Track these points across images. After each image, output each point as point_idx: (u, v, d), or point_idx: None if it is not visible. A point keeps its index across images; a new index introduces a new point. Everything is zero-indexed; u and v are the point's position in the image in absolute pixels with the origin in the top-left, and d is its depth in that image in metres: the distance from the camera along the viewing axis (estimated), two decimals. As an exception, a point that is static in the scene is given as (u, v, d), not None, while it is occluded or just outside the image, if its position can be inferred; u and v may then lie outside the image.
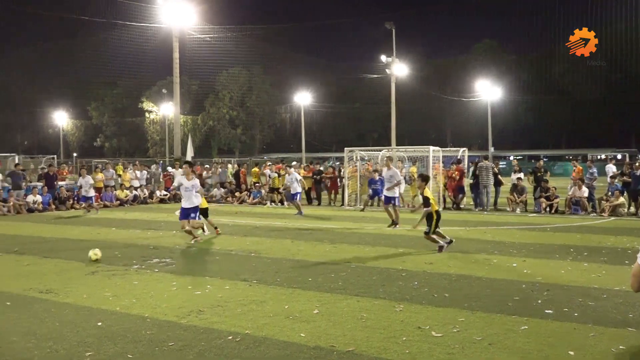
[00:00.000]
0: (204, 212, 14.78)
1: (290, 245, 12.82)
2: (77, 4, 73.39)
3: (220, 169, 29.20)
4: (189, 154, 33.12)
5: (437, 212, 11.63)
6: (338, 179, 24.75)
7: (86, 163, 34.21)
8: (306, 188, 24.21)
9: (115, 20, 42.87)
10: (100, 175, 25.94)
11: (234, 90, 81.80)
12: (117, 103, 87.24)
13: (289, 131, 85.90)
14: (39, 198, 22.85)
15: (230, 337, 6.05)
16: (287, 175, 21.72)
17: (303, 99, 65.77)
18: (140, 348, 5.76)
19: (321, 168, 26.72)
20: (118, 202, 25.26)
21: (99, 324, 6.62)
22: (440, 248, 11.40)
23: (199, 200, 13.39)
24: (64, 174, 29.03)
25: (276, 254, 11.51)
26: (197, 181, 13.55)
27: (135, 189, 26.91)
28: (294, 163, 29.48)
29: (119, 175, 28.27)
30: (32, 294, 8.19)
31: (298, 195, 20.49)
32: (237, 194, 26.79)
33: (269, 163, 30.58)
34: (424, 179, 12.08)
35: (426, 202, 11.57)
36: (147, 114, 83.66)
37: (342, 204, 23.53)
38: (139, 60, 66.18)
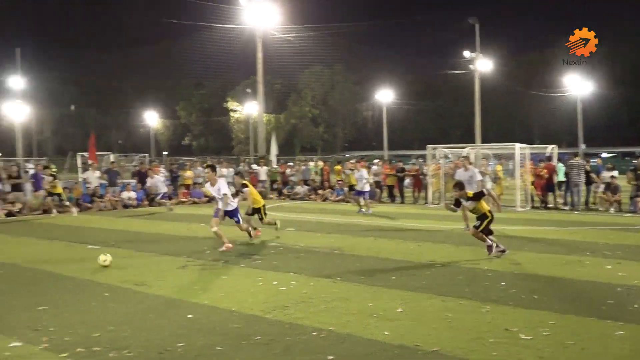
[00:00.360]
0: (257, 212, 13.86)
1: (373, 243, 12.82)
2: (166, 8, 76.16)
3: (303, 167, 29.56)
4: (273, 152, 33.73)
5: (491, 212, 10.82)
6: (421, 177, 24.47)
7: (175, 161, 35.50)
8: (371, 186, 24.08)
9: (201, 23, 44.23)
10: (189, 173, 26.92)
11: (316, 89, 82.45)
12: (203, 103, 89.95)
13: (371, 129, 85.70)
14: (132, 194, 23.98)
15: (314, 333, 6.13)
16: (355, 172, 21.50)
17: (385, 96, 65.48)
18: (228, 341, 5.94)
19: (409, 165, 26.49)
20: (206, 198, 26.06)
21: (189, 316, 6.87)
22: (490, 247, 10.66)
23: (235, 204, 12.41)
24: (156, 171, 30.22)
25: (359, 251, 11.54)
26: (222, 184, 12.05)
27: (222, 186, 27.65)
28: (375, 161, 29.41)
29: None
30: (128, 285, 8.61)
31: (366, 194, 20.29)
32: (320, 191, 27.03)
33: (352, 161, 30.60)
34: (460, 187, 11.12)
35: (478, 195, 10.86)
36: (231, 113, 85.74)
37: (426, 202, 23.26)
38: (224, 61, 67.98)
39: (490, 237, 10.70)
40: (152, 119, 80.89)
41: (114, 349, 5.69)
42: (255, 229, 13.58)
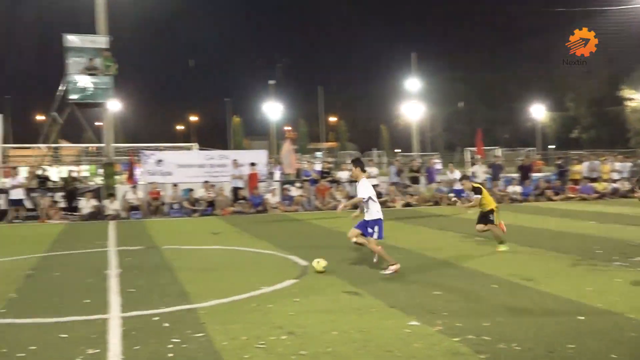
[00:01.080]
0: (485, 218, 11.70)
1: None
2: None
3: None
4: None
5: None
6: None
7: (563, 155, 34.04)
8: None
9: (591, 8, 41.65)
10: (578, 167, 25.77)
11: None
12: (593, 93, 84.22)
13: None
14: (517, 188, 24.02)
15: None
16: None
17: None
18: (623, 349, 5.48)
19: None
20: (596, 194, 24.42)
21: (580, 317, 6.57)
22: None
23: (378, 213, 9.38)
24: (539, 165, 29.67)
25: None
26: (361, 184, 9.31)
27: (615, 181, 25.58)
28: None
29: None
30: (516, 280, 8.67)
31: None
32: None
33: None
34: None
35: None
36: (626, 102, 78.13)
37: None
38: (617, 46, 62.57)
39: None
40: (538, 112, 79.25)
41: (503, 341, 5.80)
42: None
